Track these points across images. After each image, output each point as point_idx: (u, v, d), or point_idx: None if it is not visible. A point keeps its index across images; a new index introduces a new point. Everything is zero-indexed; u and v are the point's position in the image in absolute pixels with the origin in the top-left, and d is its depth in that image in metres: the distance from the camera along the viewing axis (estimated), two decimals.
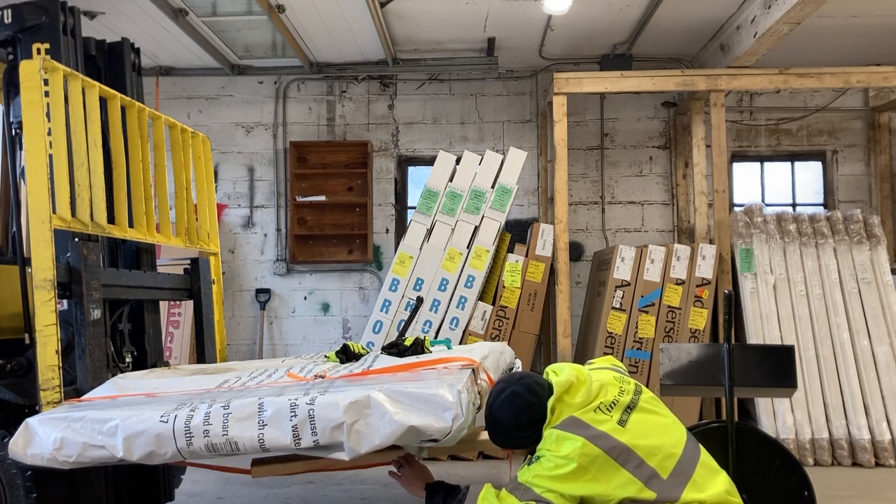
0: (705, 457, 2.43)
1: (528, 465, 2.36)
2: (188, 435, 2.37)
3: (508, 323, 5.45)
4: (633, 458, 2.28)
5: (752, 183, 7.20)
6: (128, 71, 3.68)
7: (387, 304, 5.32)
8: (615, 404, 2.42)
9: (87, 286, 2.98)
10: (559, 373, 2.48)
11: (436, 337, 5.20)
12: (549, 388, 2.45)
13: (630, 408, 2.43)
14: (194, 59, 6.60)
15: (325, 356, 3.56)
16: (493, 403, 2.50)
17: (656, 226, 6.99)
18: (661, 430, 2.43)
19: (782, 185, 7.18)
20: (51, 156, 2.86)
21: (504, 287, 5.50)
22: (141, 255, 3.73)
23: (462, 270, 5.33)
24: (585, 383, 2.45)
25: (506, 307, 5.47)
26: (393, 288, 5.32)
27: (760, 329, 5.35)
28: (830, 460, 5.10)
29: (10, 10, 3.21)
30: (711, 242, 5.89)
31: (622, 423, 2.36)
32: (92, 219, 3.06)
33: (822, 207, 7.10)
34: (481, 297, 5.49)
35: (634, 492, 2.25)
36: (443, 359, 2.95)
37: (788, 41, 5.56)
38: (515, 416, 2.45)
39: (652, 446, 2.32)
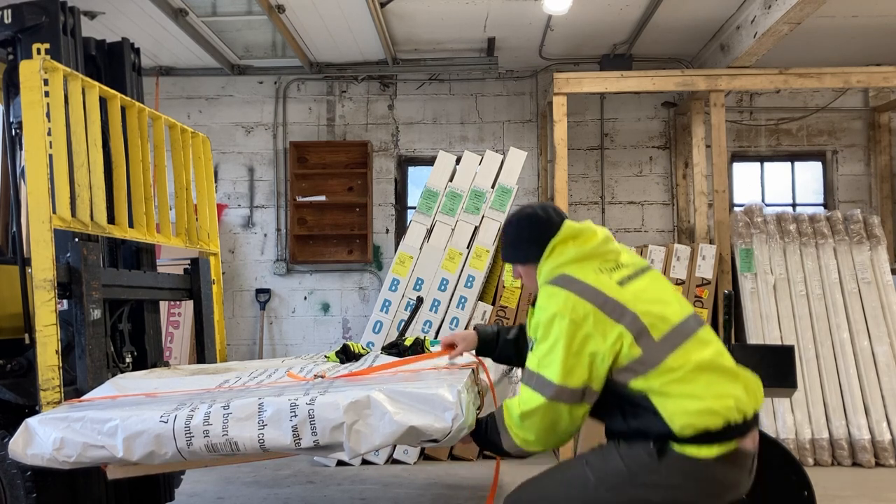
0: (704, 333, 2.31)
1: (532, 350, 2.32)
2: (188, 435, 2.37)
3: (508, 323, 5.46)
4: (628, 314, 2.21)
5: (752, 183, 7.20)
6: (128, 71, 3.68)
7: (387, 304, 5.32)
8: (619, 267, 2.37)
9: (87, 286, 2.98)
10: (581, 222, 2.47)
11: (436, 337, 5.19)
12: (559, 221, 2.44)
13: (634, 275, 2.36)
14: (194, 59, 6.60)
15: (325, 356, 3.56)
16: (510, 215, 2.60)
17: (656, 226, 6.99)
18: (662, 298, 2.34)
19: (782, 185, 7.18)
20: (51, 156, 2.85)
21: (504, 287, 5.50)
22: (141, 255, 3.73)
23: (462, 270, 5.33)
24: (598, 238, 2.41)
25: (506, 307, 5.48)
26: (393, 288, 5.32)
27: (760, 329, 5.35)
28: (830, 460, 5.09)
29: (10, 10, 3.20)
30: (711, 242, 5.89)
31: (622, 284, 2.30)
32: (92, 219, 3.06)
33: (822, 207, 7.10)
34: (481, 297, 5.49)
35: (626, 346, 2.18)
36: (439, 353, 2.95)
37: (788, 41, 5.56)
38: (519, 224, 2.52)
39: (648, 310, 2.25)
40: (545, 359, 2.23)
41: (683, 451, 2.13)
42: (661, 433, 2.13)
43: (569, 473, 2.35)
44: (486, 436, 2.41)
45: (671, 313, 2.28)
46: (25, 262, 2.95)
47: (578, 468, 2.31)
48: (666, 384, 2.15)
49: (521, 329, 2.76)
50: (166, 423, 2.39)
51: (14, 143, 3.28)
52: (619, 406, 2.25)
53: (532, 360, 2.29)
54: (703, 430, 2.10)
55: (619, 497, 2.19)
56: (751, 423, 2.20)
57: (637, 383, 2.18)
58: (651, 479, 2.15)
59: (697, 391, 2.14)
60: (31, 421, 2.52)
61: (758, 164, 7.20)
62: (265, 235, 7.04)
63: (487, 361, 3.04)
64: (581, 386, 2.19)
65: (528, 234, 2.46)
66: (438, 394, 2.35)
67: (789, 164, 7.20)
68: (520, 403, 2.29)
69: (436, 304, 5.30)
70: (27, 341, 2.93)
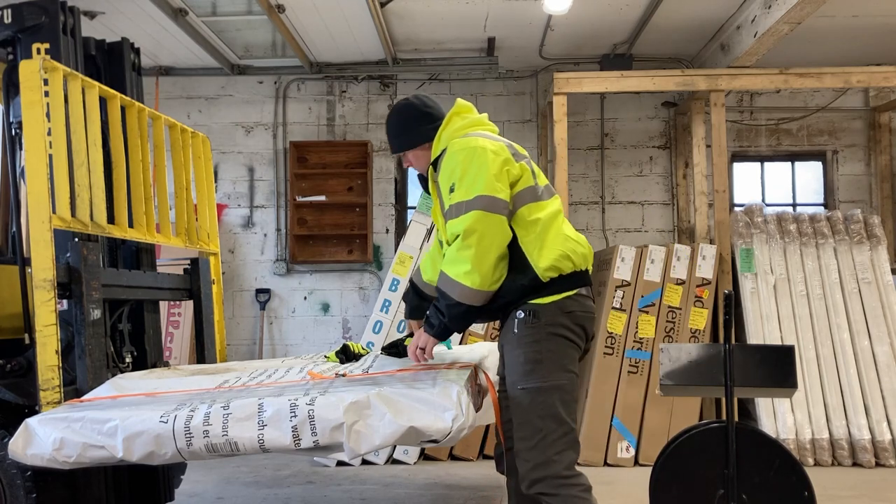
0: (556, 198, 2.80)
1: (451, 192, 2.56)
2: (188, 435, 2.37)
3: None
4: (524, 157, 2.68)
5: (752, 183, 7.20)
6: (128, 71, 3.67)
7: (387, 304, 5.32)
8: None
9: (86, 286, 2.98)
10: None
11: None
12: (437, 106, 2.83)
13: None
14: (194, 59, 6.60)
15: (325, 356, 3.56)
16: (389, 113, 2.92)
17: (656, 226, 6.99)
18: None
19: (782, 185, 7.18)
20: (51, 156, 2.85)
21: None
22: (141, 255, 3.72)
23: None
24: (480, 114, 2.83)
25: None
26: (393, 288, 5.32)
27: (760, 329, 5.35)
28: (830, 460, 5.09)
29: (10, 10, 3.20)
30: (712, 242, 5.88)
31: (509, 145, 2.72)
32: (92, 219, 3.06)
33: (822, 207, 7.10)
34: None
35: (527, 174, 2.62)
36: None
37: (788, 41, 5.56)
38: (400, 113, 2.83)
39: (532, 165, 2.71)
40: (472, 186, 2.50)
41: (547, 300, 2.52)
42: (532, 278, 2.52)
43: (520, 398, 2.54)
44: (440, 305, 2.56)
45: (542, 178, 2.77)
46: (25, 262, 2.95)
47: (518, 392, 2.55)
48: (536, 236, 2.54)
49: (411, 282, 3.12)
50: (166, 423, 2.39)
51: (14, 143, 3.28)
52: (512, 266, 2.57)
53: (456, 196, 2.54)
54: (559, 272, 2.53)
55: (541, 373, 2.50)
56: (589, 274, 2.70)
57: (517, 225, 2.55)
58: (543, 333, 2.52)
59: (555, 242, 2.57)
60: (31, 421, 2.53)
61: (758, 163, 7.20)
62: (265, 235, 7.04)
63: (486, 362, 3.03)
64: (508, 199, 2.53)
65: (415, 119, 2.77)
66: (438, 394, 2.35)
67: (789, 163, 7.20)
68: (455, 229, 2.49)
69: None
70: (27, 341, 2.93)
